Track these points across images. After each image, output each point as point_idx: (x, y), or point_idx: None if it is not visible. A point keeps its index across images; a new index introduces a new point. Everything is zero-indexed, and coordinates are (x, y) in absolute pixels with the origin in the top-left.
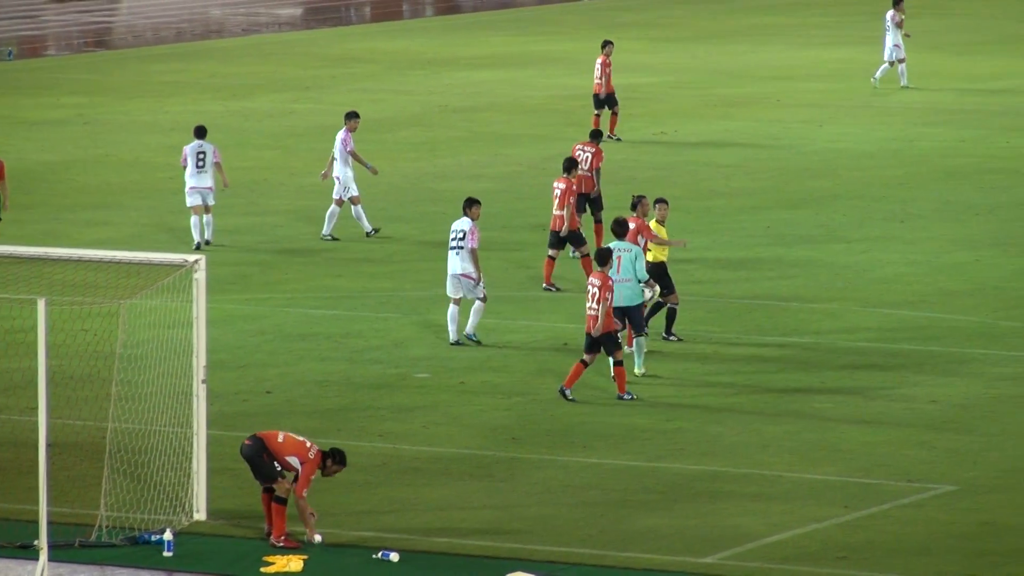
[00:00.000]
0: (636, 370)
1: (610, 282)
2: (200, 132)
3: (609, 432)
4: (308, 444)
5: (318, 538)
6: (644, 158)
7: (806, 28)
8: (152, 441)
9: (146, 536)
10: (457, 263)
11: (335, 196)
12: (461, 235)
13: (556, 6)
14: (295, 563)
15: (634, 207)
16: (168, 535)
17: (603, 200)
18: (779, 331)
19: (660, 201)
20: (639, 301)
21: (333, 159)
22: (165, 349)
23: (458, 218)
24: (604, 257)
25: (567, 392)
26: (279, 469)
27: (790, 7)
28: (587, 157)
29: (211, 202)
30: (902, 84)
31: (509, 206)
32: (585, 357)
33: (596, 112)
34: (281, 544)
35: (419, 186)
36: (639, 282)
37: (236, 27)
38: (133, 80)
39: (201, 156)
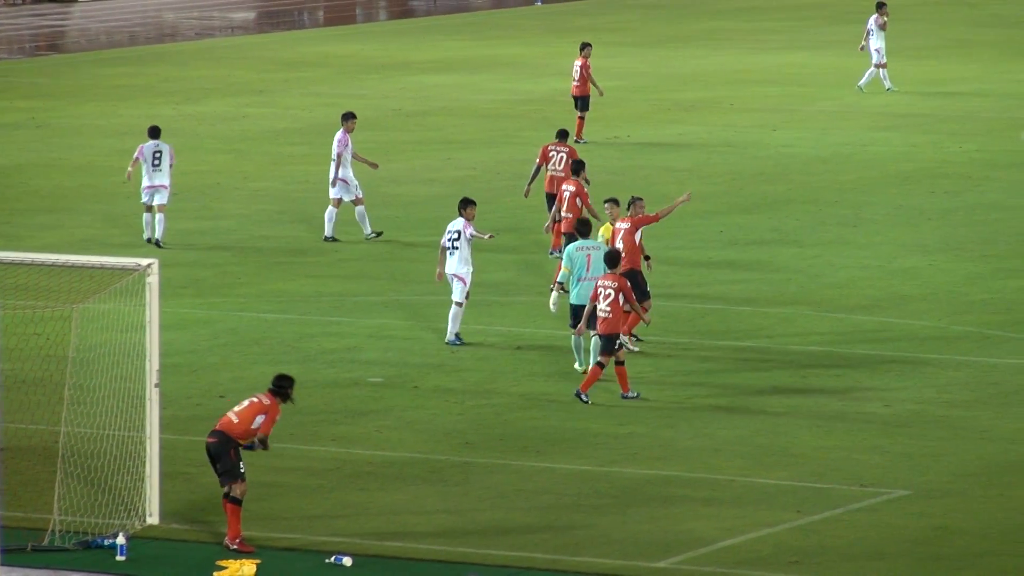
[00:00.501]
0: (577, 365)
1: (627, 283)
2: (155, 132)
3: (562, 436)
4: (257, 399)
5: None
6: (597, 162)
7: (760, 33)
8: (105, 445)
9: (99, 540)
10: (452, 263)
11: (349, 198)
12: (456, 235)
13: (509, 10)
14: (248, 567)
15: (628, 207)
16: (121, 539)
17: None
18: (732, 335)
19: (610, 201)
20: None
21: (331, 160)
22: (118, 353)
23: (450, 219)
24: (615, 259)
25: (583, 396)
26: (242, 469)
27: (743, 12)
28: (561, 157)
29: (162, 201)
30: (886, 87)
31: None
32: (601, 359)
33: (580, 115)
34: (235, 547)
35: (372, 190)
36: None
37: (189, 31)
38: (86, 84)
39: (158, 155)
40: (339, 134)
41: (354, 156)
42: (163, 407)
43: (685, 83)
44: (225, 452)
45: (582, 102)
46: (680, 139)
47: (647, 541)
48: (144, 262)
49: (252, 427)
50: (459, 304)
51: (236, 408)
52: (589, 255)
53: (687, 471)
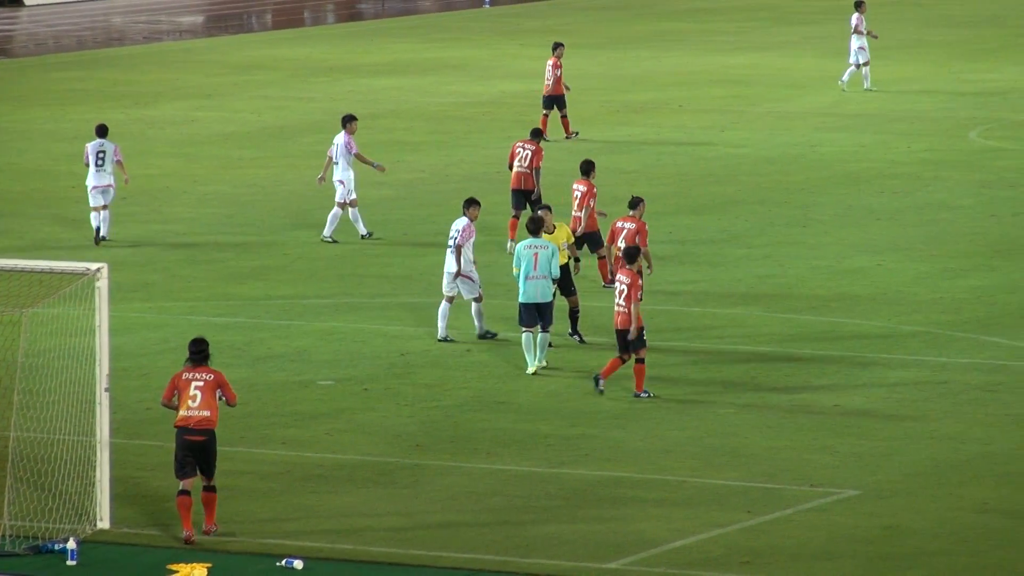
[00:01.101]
0: (531, 367)
1: (639, 280)
2: (101, 131)
3: (512, 438)
4: (200, 380)
5: None
6: (546, 164)
7: (709, 34)
8: (55, 450)
9: (50, 545)
10: (454, 262)
11: (338, 200)
12: (456, 235)
13: (458, 13)
14: (199, 571)
15: (633, 206)
16: (72, 544)
17: (542, 198)
18: (681, 336)
19: (544, 207)
20: (551, 297)
21: (331, 162)
22: (68, 357)
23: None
24: (632, 255)
25: (600, 382)
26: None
27: (693, 13)
28: (527, 155)
29: (109, 200)
30: (865, 87)
31: (410, 213)
32: (622, 355)
33: (545, 112)
34: (216, 529)
35: (321, 193)
36: (552, 281)
37: (138, 35)
38: (34, 88)
39: (101, 155)
40: (343, 137)
41: (359, 158)
42: (113, 411)
43: (634, 84)
44: (214, 446)
45: (558, 101)
46: (629, 140)
47: (597, 542)
48: (93, 266)
49: (216, 402)
50: (477, 300)
51: (194, 403)
52: (536, 253)
53: (637, 472)
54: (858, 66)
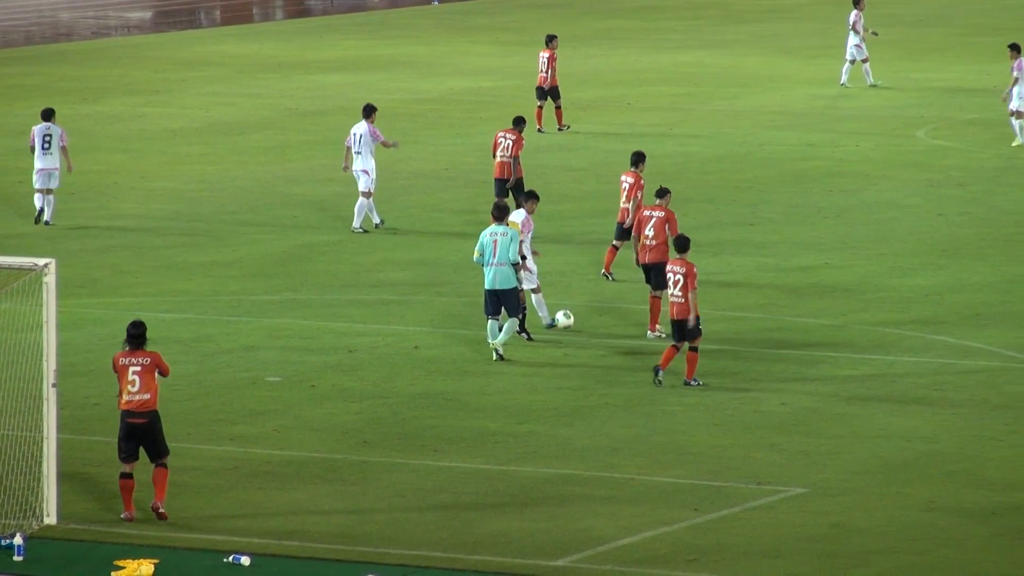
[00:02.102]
0: (497, 349)
1: (694, 268)
2: (47, 115)
3: (460, 436)
4: (138, 364)
5: None
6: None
7: (657, 32)
8: (2, 445)
9: None
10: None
11: (363, 189)
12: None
13: (406, 10)
14: (146, 567)
15: (661, 195)
16: (19, 539)
17: (523, 185)
18: (629, 334)
19: (530, 194)
20: (514, 284)
21: (350, 152)
22: (14, 353)
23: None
24: (684, 244)
25: (659, 372)
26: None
27: (641, 11)
28: (509, 144)
29: (54, 184)
30: (869, 83)
31: None
32: (677, 344)
33: (539, 103)
34: (161, 507)
35: (270, 189)
36: (512, 265)
37: (85, 30)
38: None
39: (47, 138)
40: (367, 127)
41: (384, 144)
42: (60, 407)
43: (583, 82)
44: (158, 428)
45: (552, 92)
46: (577, 138)
47: (545, 540)
48: (41, 262)
49: (156, 381)
50: (534, 291)
51: (134, 388)
52: (496, 240)
53: (585, 470)
54: (852, 62)
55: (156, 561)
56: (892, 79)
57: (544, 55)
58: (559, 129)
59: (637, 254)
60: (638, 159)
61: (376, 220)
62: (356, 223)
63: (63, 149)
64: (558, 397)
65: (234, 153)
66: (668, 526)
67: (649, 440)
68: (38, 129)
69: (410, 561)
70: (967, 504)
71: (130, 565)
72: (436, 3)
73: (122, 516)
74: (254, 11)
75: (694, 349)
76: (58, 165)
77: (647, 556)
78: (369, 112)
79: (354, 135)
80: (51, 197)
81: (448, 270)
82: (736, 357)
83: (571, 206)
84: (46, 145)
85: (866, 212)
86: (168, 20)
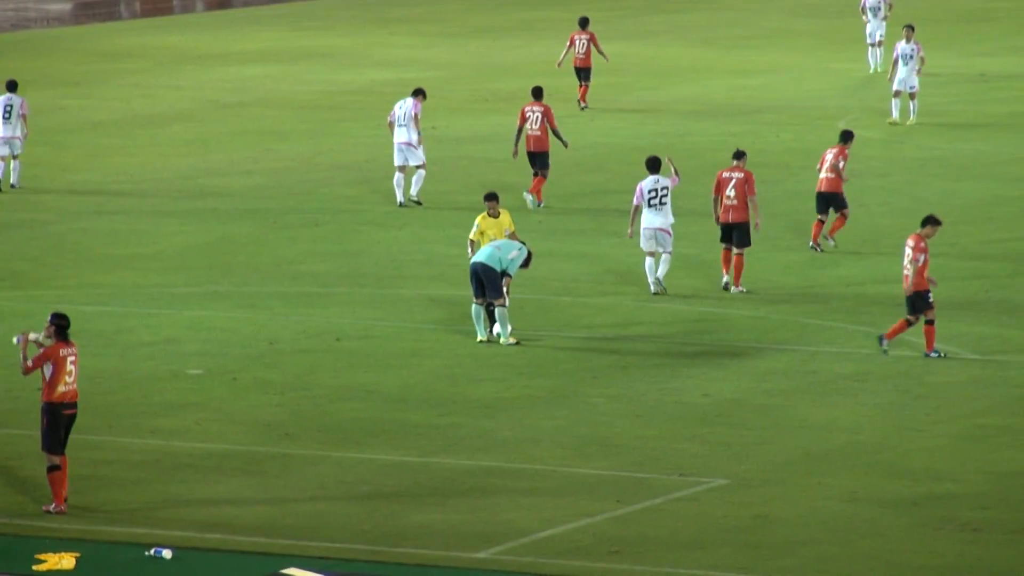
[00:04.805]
0: (480, 336)
1: (923, 243)
2: (10, 86)
3: (382, 428)
4: (76, 351)
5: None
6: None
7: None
8: None
9: None
10: (656, 218)
11: (415, 163)
12: (664, 192)
13: (327, 1)
14: (67, 560)
15: (739, 157)
16: None
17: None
18: (552, 326)
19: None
20: (496, 270)
21: (395, 127)
22: None
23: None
24: (934, 219)
25: (884, 342)
26: None
27: (561, 2)
28: (538, 116)
29: (18, 151)
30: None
31: (280, 202)
32: (909, 317)
33: (583, 83)
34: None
35: (190, 182)
36: (502, 272)
37: (4, 22)
38: None
39: (8, 108)
40: (412, 101)
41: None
42: None
43: (503, 73)
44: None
45: (586, 73)
46: (499, 129)
47: (467, 532)
48: None
49: (54, 365)
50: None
51: (70, 378)
52: (502, 247)
53: (507, 462)
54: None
55: (77, 555)
56: (812, 69)
57: (583, 37)
58: (582, 108)
59: (718, 214)
60: (847, 137)
61: (400, 199)
62: (413, 191)
63: (23, 117)
64: (480, 389)
65: (155, 145)
66: (590, 518)
67: (571, 432)
68: (1, 100)
69: (333, 554)
70: (889, 494)
71: (51, 559)
72: None
73: (52, 510)
74: (174, 3)
75: (930, 322)
76: (19, 133)
77: (569, 548)
78: (415, 94)
79: (399, 111)
80: (16, 163)
81: (369, 261)
82: (659, 348)
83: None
84: (7, 114)
85: (787, 203)
86: (88, 12)
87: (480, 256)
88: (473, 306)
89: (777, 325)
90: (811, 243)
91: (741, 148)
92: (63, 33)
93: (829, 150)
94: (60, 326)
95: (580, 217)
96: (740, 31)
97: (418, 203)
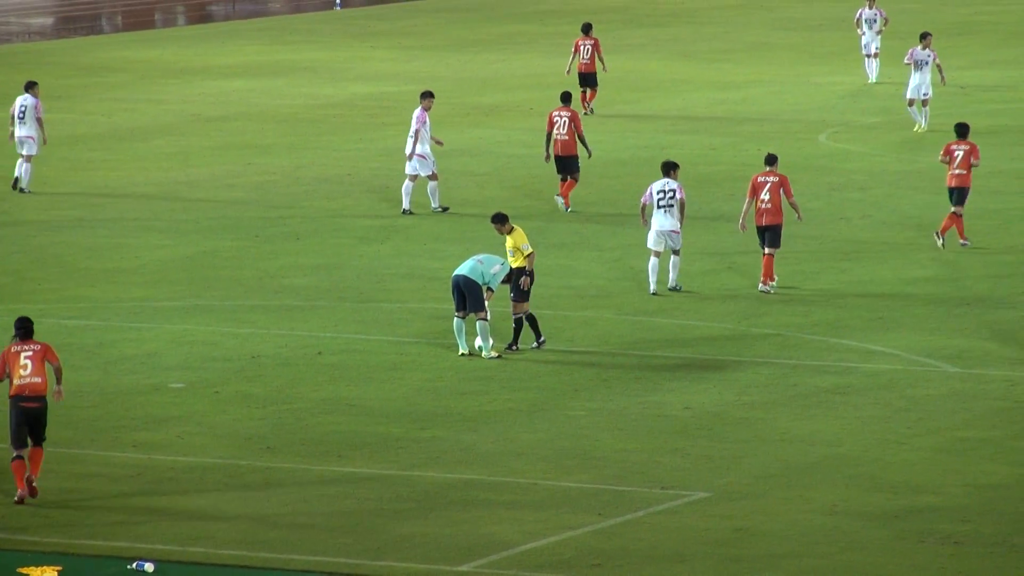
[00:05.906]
0: (462, 349)
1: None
2: (27, 86)
3: (364, 441)
4: (30, 351)
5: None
6: (398, 167)
7: (558, 37)
8: None
9: None
10: (667, 221)
11: (427, 173)
12: (671, 194)
13: (308, 15)
14: (49, 574)
15: (771, 162)
16: None
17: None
18: (533, 339)
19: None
20: (477, 283)
21: (413, 138)
22: None
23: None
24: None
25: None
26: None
27: (541, 16)
28: (565, 122)
29: (27, 151)
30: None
31: (261, 215)
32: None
33: (583, 89)
34: (35, 479)
35: (172, 195)
36: (485, 286)
37: None
38: None
39: (23, 109)
40: (417, 111)
41: (419, 132)
42: None
43: (484, 87)
44: (46, 412)
45: (591, 78)
46: (479, 143)
47: (449, 545)
48: None
49: (45, 369)
50: (677, 253)
51: (26, 372)
52: (484, 261)
53: (489, 475)
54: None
55: (59, 568)
56: (793, 83)
57: (587, 42)
58: (585, 113)
59: (743, 217)
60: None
61: (435, 205)
62: (434, 204)
63: (38, 120)
64: (462, 402)
65: (136, 159)
66: (572, 531)
67: (552, 445)
68: (18, 100)
69: (314, 567)
70: (870, 507)
71: (33, 573)
72: (338, 8)
73: (15, 499)
74: (156, 17)
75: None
76: (33, 134)
77: (551, 561)
78: (422, 98)
79: (416, 121)
80: (28, 165)
81: (351, 275)
82: (640, 361)
83: (474, 211)
84: (21, 116)
85: None
86: (70, 26)
87: (462, 269)
88: (455, 319)
89: (758, 337)
90: (961, 241)
91: (772, 152)
92: (45, 47)
93: (956, 145)
94: (16, 327)
95: (562, 231)
96: (720, 45)
97: (445, 209)
